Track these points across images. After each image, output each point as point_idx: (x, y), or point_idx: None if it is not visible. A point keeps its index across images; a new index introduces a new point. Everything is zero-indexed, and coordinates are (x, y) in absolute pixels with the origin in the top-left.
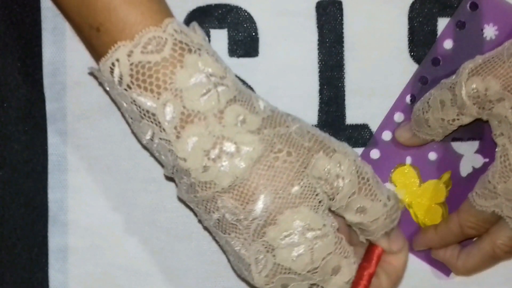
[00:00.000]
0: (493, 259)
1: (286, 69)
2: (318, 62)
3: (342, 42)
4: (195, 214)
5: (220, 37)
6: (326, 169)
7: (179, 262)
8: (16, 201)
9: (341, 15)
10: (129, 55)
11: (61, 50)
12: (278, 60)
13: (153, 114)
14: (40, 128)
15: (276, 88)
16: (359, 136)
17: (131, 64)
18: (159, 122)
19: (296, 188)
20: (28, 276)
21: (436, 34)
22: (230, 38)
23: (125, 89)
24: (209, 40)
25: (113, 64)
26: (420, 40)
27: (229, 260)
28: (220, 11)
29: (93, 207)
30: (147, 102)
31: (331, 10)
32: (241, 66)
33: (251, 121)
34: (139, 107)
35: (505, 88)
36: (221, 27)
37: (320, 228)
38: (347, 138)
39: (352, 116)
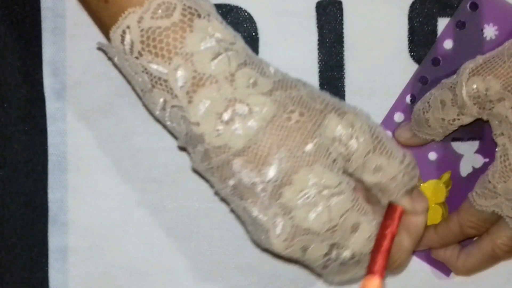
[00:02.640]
0: (493, 259)
1: (286, 69)
2: (318, 62)
3: (342, 42)
4: (211, 186)
5: None
6: (339, 129)
7: (179, 262)
8: (16, 201)
9: (341, 15)
10: (139, 21)
11: (61, 50)
12: (278, 60)
13: (165, 81)
14: (40, 128)
15: None
16: None
17: (142, 30)
18: (171, 89)
19: (309, 146)
20: (28, 276)
21: (436, 34)
22: None
23: (136, 57)
24: None
25: (123, 31)
26: (420, 40)
27: (247, 232)
28: (220, 11)
29: (93, 207)
30: (158, 68)
31: (331, 10)
32: None
33: (262, 83)
34: (151, 74)
35: (506, 88)
36: None
37: (336, 186)
38: None
39: None
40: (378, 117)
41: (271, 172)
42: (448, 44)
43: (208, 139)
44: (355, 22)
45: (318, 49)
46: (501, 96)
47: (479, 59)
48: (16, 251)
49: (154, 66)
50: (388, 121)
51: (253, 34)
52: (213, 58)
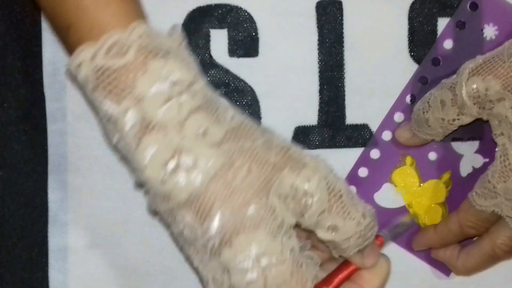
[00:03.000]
0: (493, 259)
1: (286, 69)
2: (318, 62)
3: (342, 42)
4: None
5: (220, 37)
6: (293, 186)
7: (179, 262)
8: (16, 201)
9: (341, 15)
10: (92, 59)
11: (61, 50)
12: (278, 60)
13: (116, 120)
14: (40, 128)
15: (276, 88)
16: (359, 136)
17: (94, 67)
18: (121, 129)
19: (253, 209)
20: (28, 276)
21: (436, 34)
22: (230, 38)
23: (91, 92)
24: (209, 40)
25: (79, 65)
26: (420, 40)
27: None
28: (220, 11)
29: (93, 207)
30: (110, 107)
31: (331, 10)
32: (241, 66)
33: (213, 133)
34: (104, 111)
35: (505, 88)
36: (221, 27)
37: (276, 255)
38: (347, 138)
39: (352, 116)
40: (378, 117)
41: (212, 229)
42: (448, 44)
43: (153, 186)
44: (355, 22)
45: (318, 49)
46: (501, 96)
47: (479, 59)
48: (16, 251)
49: (106, 104)
50: (388, 121)
51: (253, 34)
52: (163, 104)
